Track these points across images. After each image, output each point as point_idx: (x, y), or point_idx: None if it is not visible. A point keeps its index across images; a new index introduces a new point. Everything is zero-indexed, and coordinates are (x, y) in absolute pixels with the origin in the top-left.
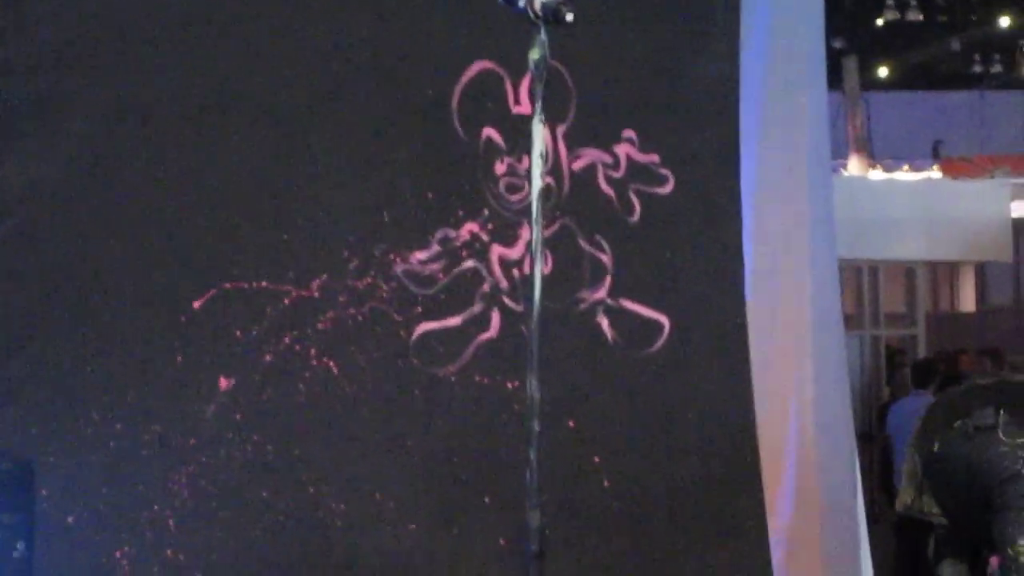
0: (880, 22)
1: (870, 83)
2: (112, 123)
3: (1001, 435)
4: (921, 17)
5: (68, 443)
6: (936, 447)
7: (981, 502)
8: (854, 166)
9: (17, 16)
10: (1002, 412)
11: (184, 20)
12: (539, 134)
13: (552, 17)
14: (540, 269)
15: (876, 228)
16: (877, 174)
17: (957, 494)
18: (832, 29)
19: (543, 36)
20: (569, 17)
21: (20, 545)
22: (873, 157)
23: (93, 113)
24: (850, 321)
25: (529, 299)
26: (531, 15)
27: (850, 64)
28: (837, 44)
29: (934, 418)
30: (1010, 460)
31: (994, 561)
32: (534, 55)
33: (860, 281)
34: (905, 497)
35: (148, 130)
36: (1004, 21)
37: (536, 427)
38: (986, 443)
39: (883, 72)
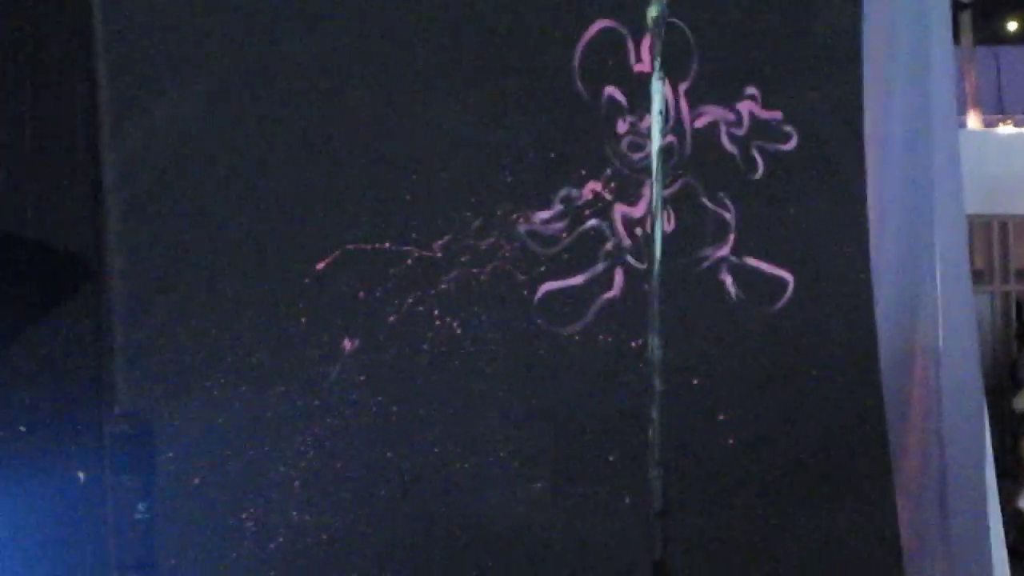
0: None
1: (999, 37)
2: (231, 89)
3: None
4: None
5: (194, 405)
6: None
7: None
8: (973, 121)
9: None
10: None
11: None
12: (658, 92)
13: None
14: (661, 227)
15: (1005, 183)
16: (1007, 128)
17: None
18: None
19: None
20: None
21: (141, 506)
22: (1004, 111)
23: (211, 79)
24: (980, 277)
25: (651, 258)
26: None
27: (965, 19)
28: None
29: None
30: None
31: None
32: (652, 12)
33: (989, 237)
34: None
35: (269, 94)
36: None
37: (658, 385)
38: None
39: (1012, 26)
